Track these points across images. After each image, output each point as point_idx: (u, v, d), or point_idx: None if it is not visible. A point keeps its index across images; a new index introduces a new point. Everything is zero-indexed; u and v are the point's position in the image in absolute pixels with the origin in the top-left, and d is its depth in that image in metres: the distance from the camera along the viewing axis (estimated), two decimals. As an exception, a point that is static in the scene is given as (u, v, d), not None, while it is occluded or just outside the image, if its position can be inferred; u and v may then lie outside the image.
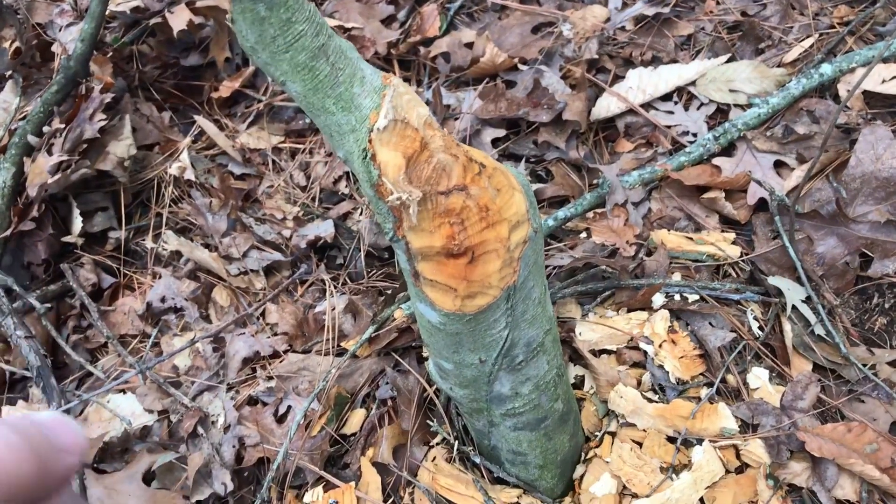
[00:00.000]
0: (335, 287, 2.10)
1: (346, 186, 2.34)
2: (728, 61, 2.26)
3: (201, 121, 2.54)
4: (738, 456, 1.71)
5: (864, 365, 1.78)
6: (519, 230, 1.24)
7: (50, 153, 2.24)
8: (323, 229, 2.18)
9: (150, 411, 1.94)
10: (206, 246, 2.24)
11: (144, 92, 2.70)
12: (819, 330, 1.84)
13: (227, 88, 2.67)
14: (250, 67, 2.68)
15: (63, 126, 2.28)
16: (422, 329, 1.40)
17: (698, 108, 2.22)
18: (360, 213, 2.26)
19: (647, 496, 1.64)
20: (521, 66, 2.29)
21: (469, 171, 1.17)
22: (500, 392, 1.46)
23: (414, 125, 1.11)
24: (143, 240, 2.34)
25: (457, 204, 1.15)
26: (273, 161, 2.48)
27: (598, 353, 1.83)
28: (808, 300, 1.88)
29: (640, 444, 1.73)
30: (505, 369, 1.41)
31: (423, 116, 1.13)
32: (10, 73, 2.70)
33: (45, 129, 2.31)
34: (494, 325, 1.31)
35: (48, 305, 2.08)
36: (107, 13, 2.50)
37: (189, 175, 2.34)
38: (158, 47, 2.76)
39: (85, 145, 2.26)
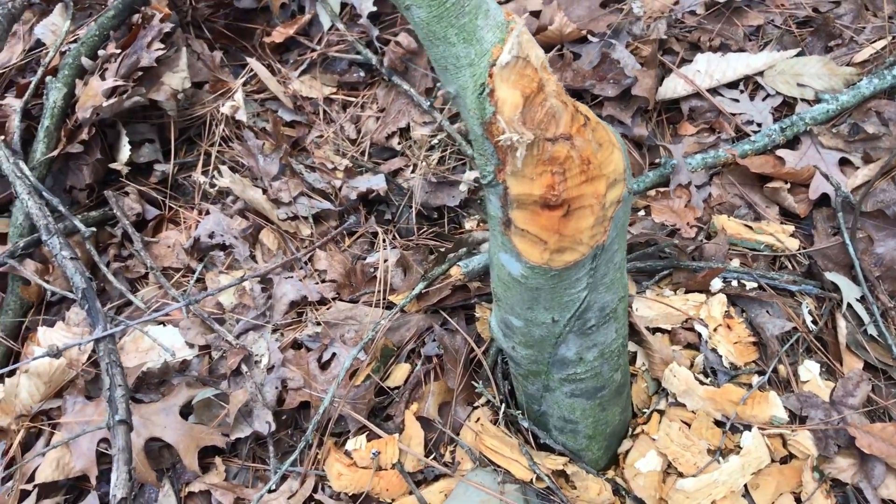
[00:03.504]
0: (386, 241, 2.08)
1: (399, 143, 2.31)
2: (796, 56, 2.24)
3: (254, 63, 2.50)
4: (784, 446, 1.69)
5: (917, 369, 1.77)
6: (615, 189, 1.21)
7: (103, 78, 2.20)
8: (375, 182, 2.15)
9: (192, 345, 1.91)
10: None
11: (196, 30, 2.65)
12: (872, 330, 1.83)
13: (280, 34, 2.62)
14: (306, 15, 2.64)
15: (119, 51, 2.24)
16: (496, 282, 1.38)
17: (764, 99, 2.20)
18: (412, 171, 2.23)
19: (694, 476, 1.63)
20: (591, 38, 2.26)
21: (576, 122, 1.14)
22: (565, 356, 1.44)
23: (534, 65, 1.08)
24: (189, 176, 2.30)
25: (561, 153, 1.12)
26: (324, 111, 2.45)
27: (652, 331, 1.82)
28: (862, 299, 1.86)
29: (689, 426, 1.71)
30: (575, 332, 1.39)
31: (541, 58, 1.10)
32: (60, -4, 2.65)
33: (100, 52, 2.26)
34: (576, 285, 1.29)
35: (93, 229, 2.04)
36: (166, -56, 2.46)
37: (241, 115, 2.30)
38: (213, -15, 2.71)
39: (140, 73, 2.21)
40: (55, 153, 2.14)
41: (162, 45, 2.23)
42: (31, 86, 2.26)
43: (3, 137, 2.13)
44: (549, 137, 1.11)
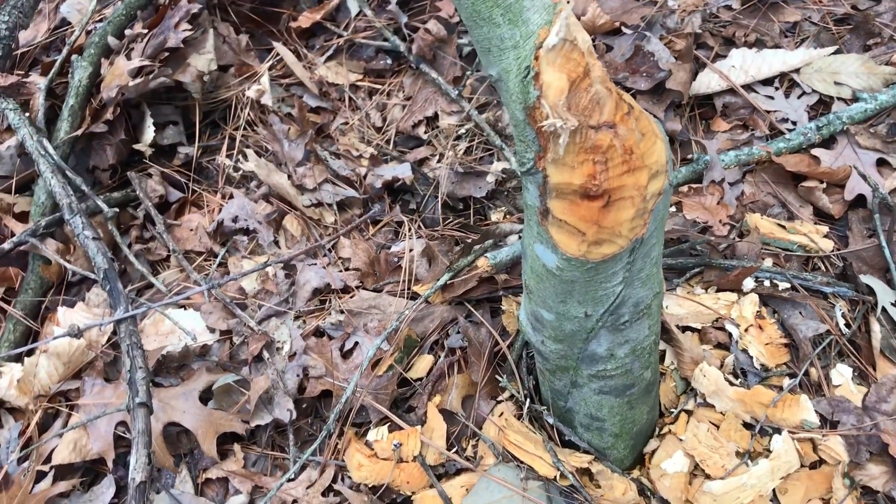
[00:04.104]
0: (411, 230, 2.05)
1: (426, 132, 2.28)
2: (834, 54, 2.19)
3: (280, 48, 2.47)
4: (814, 450, 1.65)
5: (952, 376, 1.72)
6: (656, 180, 1.18)
7: (129, 58, 2.18)
8: (401, 171, 2.12)
9: (213, 330, 1.89)
10: (278, 173, 2.18)
11: (222, 13, 2.62)
12: (906, 336, 1.78)
13: (306, 19, 2.59)
14: (334, 0, 2.61)
15: (145, 31, 2.22)
16: (530, 273, 1.34)
17: (799, 97, 2.15)
18: (439, 161, 2.20)
19: (721, 478, 1.59)
20: (624, 30, 2.22)
21: (620, 110, 1.11)
22: (595, 351, 1.41)
23: (581, 48, 1.05)
24: (213, 159, 2.28)
25: (604, 141, 1.09)
26: (350, 98, 2.42)
27: (682, 329, 1.78)
28: (896, 304, 1.82)
29: (717, 427, 1.68)
30: (607, 327, 1.36)
31: (587, 42, 1.07)
32: (86, -25, 2.63)
33: (127, 32, 2.24)
34: (611, 279, 1.25)
35: (115, 210, 2.02)
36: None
37: (267, 100, 2.27)
38: (240, -31, 2.69)
39: (166, 54, 2.19)
40: (79, 132, 2.12)
41: (189, 27, 2.21)
42: (57, 64, 2.25)
43: (27, 115, 2.11)
44: (593, 125, 1.08)
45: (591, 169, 1.10)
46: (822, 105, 2.15)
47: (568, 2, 2.30)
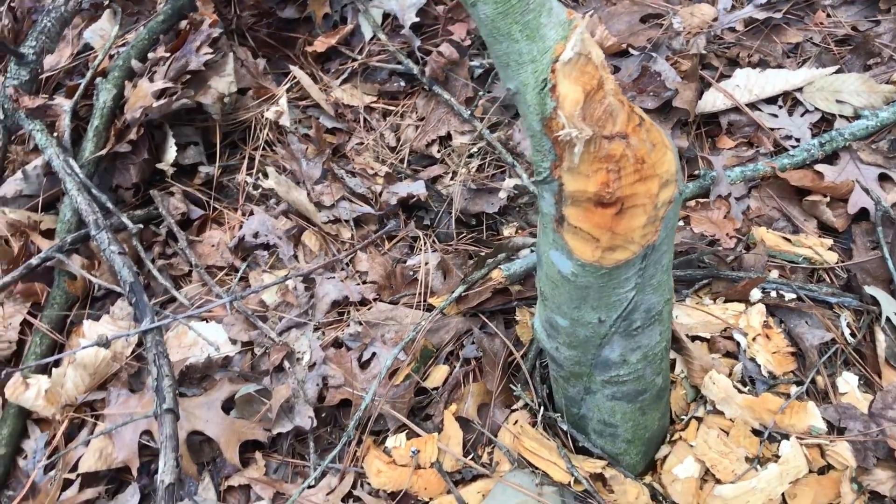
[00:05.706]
0: (426, 244, 2.11)
1: (439, 151, 2.34)
2: (835, 73, 2.25)
3: (297, 71, 2.54)
4: (822, 456, 1.69)
5: (957, 384, 1.76)
6: (667, 189, 1.23)
7: (152, 80, 2.25)
8: (415, 188, 2.18)
9: (234, 342, 1.94)
10: (297, 191, 2.24)
11: (240, 38, 2.71)
12: (910, 345, 1.83)
13: (322, 44, 2.67)
14: (348, 26, 2.69)
15: (168, 55, 2.30)
16: (545, 280, 1.39)
17: (802, 115, 2.21)
18: (452, 178, 2.26)
19: (732, 483, 1.63)
20: (632, 52, 2.29)
21: (631, 121, 1.16)
22: (608, 357, 1.46)
23: (595, 62, 1.11)
24: (233, 178, 2.35)
25: (617, 151, 1.14)
26: (364, 119, 2.49)
27: (691, 338, 1.83)
28: (900, 314, 1.86)
29: (727, 433, 1.72)
30: (620, 333, 1.40)
31: (601, 56, 1.13)
32: (108, 2, 2.72)
33: (150, 55, 2.32)
34: (624, 284, 1.30)
35: (140, 226, 2.08)
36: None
37: (285, 121, 2.34)
38: (257, -5, 2.78)
39: (188, 76, 2.26)
40: (104, 152, 2.19)
41: (210, 50, 2.28)
42: (81, 87, 2.33)
43: (54, 135, 2.18)
44: (607, 135, 1.14)
45: (605, 177, 1.16)
46: (825, 122, 2.22)
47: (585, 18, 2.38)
